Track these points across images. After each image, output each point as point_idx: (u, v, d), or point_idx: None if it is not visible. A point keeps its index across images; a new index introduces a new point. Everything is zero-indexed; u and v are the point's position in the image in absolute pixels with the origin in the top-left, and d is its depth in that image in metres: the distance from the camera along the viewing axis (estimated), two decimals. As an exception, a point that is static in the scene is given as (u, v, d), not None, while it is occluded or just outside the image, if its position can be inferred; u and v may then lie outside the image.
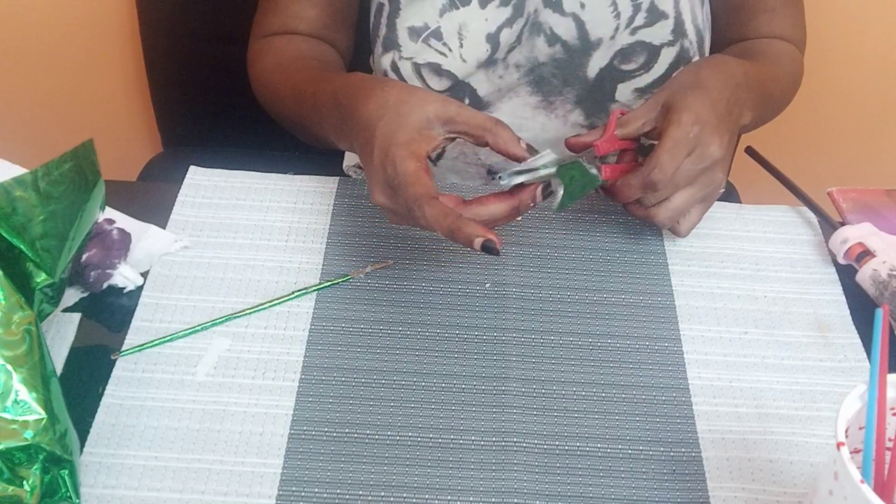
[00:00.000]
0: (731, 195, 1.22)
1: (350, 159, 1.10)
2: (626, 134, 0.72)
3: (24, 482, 0.57)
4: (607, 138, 0.72)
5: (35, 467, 0.57)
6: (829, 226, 0.80)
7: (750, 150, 0.88)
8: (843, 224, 0.80)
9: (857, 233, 0.76)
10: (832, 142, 1.43)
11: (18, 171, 0.72)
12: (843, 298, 0.75)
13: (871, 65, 1.34)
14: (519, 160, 0.68)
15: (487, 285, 0.75)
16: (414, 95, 0.69)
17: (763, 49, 0.89)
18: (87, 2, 1.30)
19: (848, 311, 0.74)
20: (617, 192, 0.72)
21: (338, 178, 0.83)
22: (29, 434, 0.56)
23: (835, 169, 1.44)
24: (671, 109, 0.70)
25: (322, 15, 0.90)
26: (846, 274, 0.77)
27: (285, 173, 0.84)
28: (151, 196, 0.83)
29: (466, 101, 0.87)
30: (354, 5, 0.92)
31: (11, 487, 0.56)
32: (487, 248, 0.64)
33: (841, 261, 0.77)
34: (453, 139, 0.69)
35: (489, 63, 0.85)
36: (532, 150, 0.69)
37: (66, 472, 0.58)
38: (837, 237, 0.77)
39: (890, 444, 0.53)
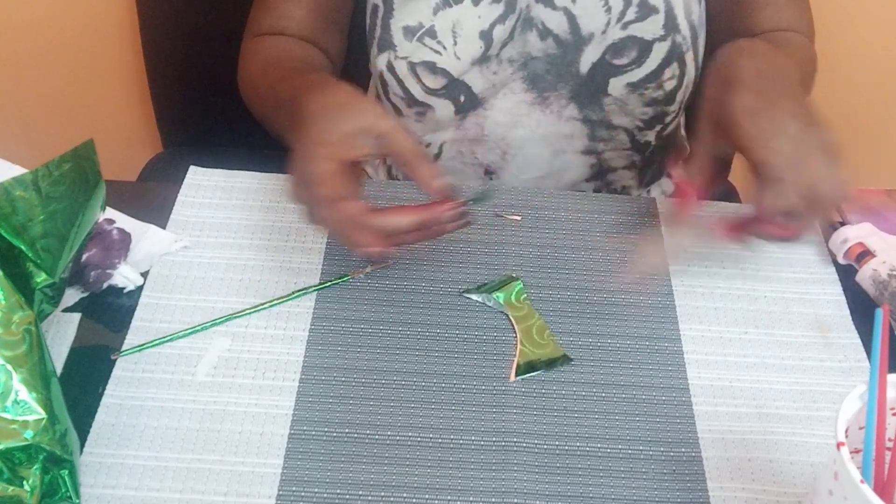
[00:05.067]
0: (731, 195, 1.22)
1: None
2: (700, 174, 0.71)
3: (24, 482, 0.57)
4: (692, 202, 0.71)
5: (35, 467, 0.57)
6: (829, 226, 0.80)
7: (750, 150, 0.88)
8: (843, 224, 0.80)
9: (857, 233, 0.76)
10: (832, 142, 1.43)
11: (18, 171, 0.72)
12: (843, 298, 0.75)
13: (872, 65, 1.34)
14: (435, 196, 0.67)
15: (487, 285, 0.75)
16: (357, 101, 0.68)
17: (775, 39, 0.88)
18: (87, 2, 1.30)
19: (848, 311, 0.74)
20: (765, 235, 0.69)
21: (338, 178, 0.83)
22: (29, 434, 0.56)
23: (835, 169, 1.43)
24: (726, 130, 0.68)
25: (311, 16, 0.90)
26: (846, 274, 0.77)
27: (285, 173, 0.84)
28: (151, 196, 0.83)
29: (462, 98, 0.88)
30: (346, 9, 0.92)
31: (11, 487, 0.56)
32: (379, 257, 0.63)
33: (841, 261, 0.77)
34: (383, 156, 0.68)
35: (483, 59, 0.85)
36: (450, 190, 0.67)
37: (66, 472, 0.58)
38: (837, 237, 0.77)
39: (890, 444, 0.53)
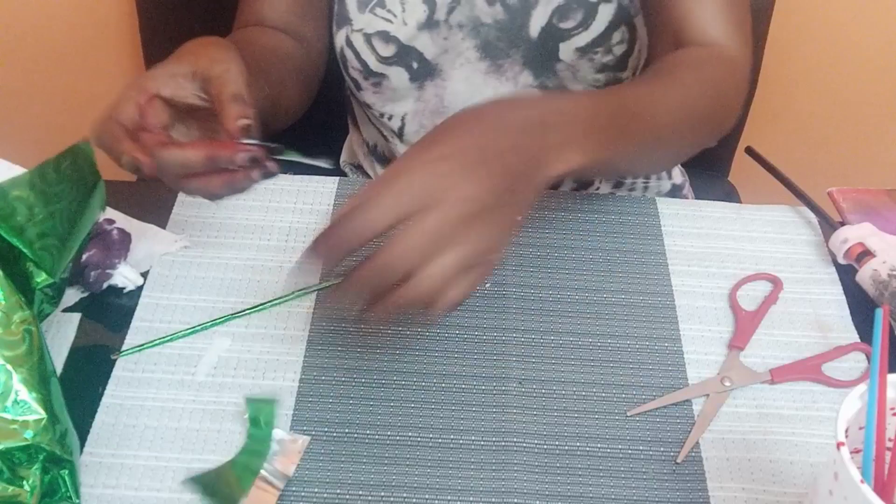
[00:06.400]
0: (731, 195, 1.22)
1: (347, 156, 1.10)
2: None
3: (24, 482, 0.57)
4: None
5: (35, 467, 0.57)
6: (829, 226, 0.80)
7: (750, 150, 0.88)
8: (843, 224, 0.80)
9: (857, 233, 0.76)
10: (832, 142, 1.43)
11: (18, 171, 0.72)
12: (843, 298, 0.75)
13: (871, 65, 1.34)
14: (231, 135, 0.64)
15: (487, 285, 0.75)
16: (207, 50, 0.68)
17: (679, 57, 0.80)
18: (87, 2, 1.30)
19: (848, 311, 0.74)
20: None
21: (337, 178, 0.84)
22: (29, 434, 0.56)
23: (835, 169, 1.44)
24: None
25: (287, 3, 0.90)
26: (846, 274, 0.77)
27: (285, 173, 0.84)
28: (151, 196, 0.83)
29: (415, 65, 0.88)
30: None
31: (11, 487, 0.56)
32: (130, 166, 0.64)
33: (841, 261, 0.77)
34: (201, 104, 0.66)
35: (431, 25, 0.86)
36: (247, 132, 0.64)
37: (66, 472, 0.58)
38: (837, 237, 0.77)
39: (890, 444, 0.53)
